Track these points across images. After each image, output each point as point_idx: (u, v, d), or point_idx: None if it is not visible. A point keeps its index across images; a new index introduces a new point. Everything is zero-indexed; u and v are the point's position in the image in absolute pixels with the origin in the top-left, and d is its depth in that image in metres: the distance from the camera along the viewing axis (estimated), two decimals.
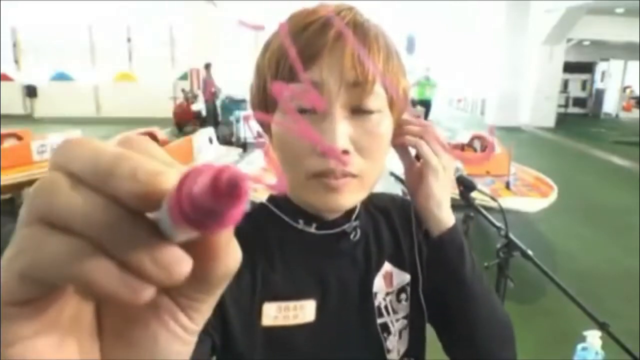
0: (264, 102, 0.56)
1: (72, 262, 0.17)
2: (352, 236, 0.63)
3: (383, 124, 0.54)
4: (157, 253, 0.18)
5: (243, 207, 0.17)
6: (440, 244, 0.61)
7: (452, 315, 0.62)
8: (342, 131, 0.50)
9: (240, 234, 0.22)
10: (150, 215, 0.19)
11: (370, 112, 0.53)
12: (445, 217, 0.61)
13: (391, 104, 0.55)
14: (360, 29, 0.52)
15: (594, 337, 1.29)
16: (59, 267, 0.18)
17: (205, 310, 0.23)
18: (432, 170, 0.59)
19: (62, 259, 0.17)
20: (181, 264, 0.19)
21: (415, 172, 0.62)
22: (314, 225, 0.60)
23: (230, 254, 0.21)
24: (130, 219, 0.18)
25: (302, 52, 0.50)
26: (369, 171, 0.54)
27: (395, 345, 0.64)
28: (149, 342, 0.22)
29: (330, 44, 0.50)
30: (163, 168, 0.18)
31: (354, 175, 0.53)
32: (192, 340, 0.24)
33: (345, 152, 0.51)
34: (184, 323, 0.22)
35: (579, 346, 1.31)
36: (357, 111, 0.52)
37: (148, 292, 0.18)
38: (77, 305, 0.21)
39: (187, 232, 0.18)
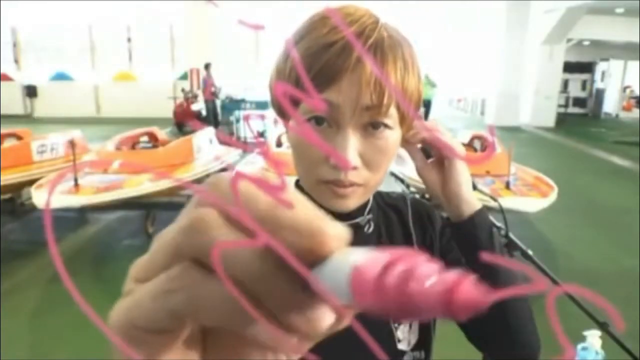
0: (281, 107, 0.58)
1: (227, 311, 0.17)
2: (365, 229, 0.65)
3: (391, 139, 0.57)
4: (308, 310, 0.18)
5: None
6: (472, 224, 0.63)
7: None
8: (353, 149, 0.54)
9: None
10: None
11: (381, 130, 0.55)
12: (473, 200, 0.64)
13: (402, 120, 0.58)
14: (381, 50, 0.53)
15: (594, 337, 1.29)
16: (214, 313, 0.18)
17: None
18: (457, 156, 0.63)
19: (219, 306, 0.17)
20: (327, 320, 0.18)
21: (431, 167, 0.65)
22: (329, 217, 0.61)
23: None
24: (286, 271, 0.17)
25: (322, 73, 0.51)
26: (374, 179, 0.58)
27: (406, 335, 0.66)
28: None
29: (350, 68, 0.51)
30: (326, 228, 0.18)
31: (359, 185, 0.57)
32: None
33: (355, 167, 0.55)
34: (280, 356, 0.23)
35: (579, 346, 1.31)
36: (369, 128, 0.55)
37: (294, 342, 0.18)
38: (190, 333, 0.22)
39: (352, 307, 0.18)
